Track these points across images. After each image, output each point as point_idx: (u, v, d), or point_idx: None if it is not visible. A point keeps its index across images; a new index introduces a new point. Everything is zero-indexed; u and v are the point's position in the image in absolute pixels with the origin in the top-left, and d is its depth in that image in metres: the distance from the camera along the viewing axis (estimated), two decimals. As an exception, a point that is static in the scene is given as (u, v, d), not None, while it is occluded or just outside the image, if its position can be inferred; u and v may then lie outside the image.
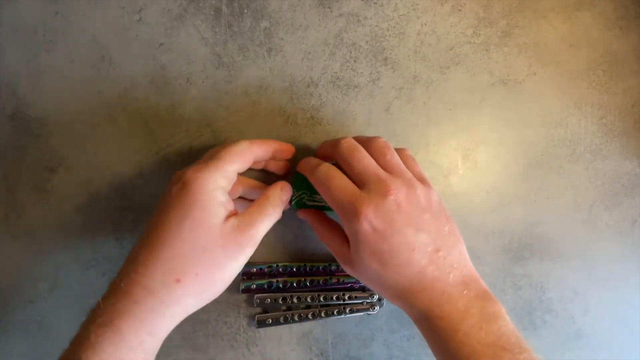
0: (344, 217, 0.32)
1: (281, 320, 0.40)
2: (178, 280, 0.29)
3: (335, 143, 0.35)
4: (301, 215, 0.38)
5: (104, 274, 0.41)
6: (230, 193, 0.33)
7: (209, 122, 0.41)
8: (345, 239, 0.34)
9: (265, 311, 0.41)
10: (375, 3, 0.41)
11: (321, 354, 0.41)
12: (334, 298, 0.40)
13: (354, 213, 0.30)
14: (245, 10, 0.41)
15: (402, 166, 0.33)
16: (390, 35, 0.41)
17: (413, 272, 0.30)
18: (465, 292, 0.31)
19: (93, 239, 0.40)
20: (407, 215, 0.31)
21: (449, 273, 0.31)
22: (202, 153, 0.41)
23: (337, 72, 0.41)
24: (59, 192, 0.40)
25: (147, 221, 0.32)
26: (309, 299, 0.40)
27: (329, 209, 0.37)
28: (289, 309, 0.40)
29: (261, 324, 0.40)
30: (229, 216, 0.31)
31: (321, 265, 0.40)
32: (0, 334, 0.40)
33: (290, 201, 0.36)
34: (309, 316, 0.40)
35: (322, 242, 0.37)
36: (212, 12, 0.41)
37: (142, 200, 0.41)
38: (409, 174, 0.33)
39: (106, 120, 0.40)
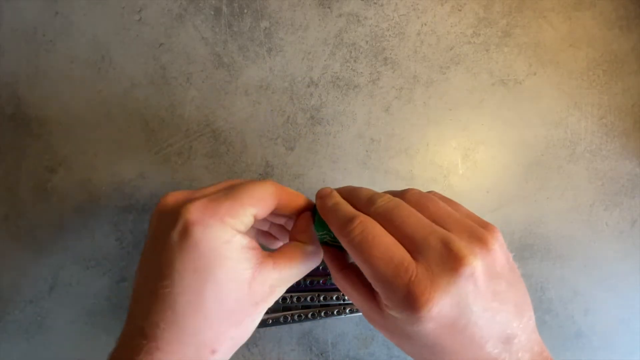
0: (390, 305, 0.22)
1: (281, 320, 0.40)
2: (214, 352, 0.24)
3: (369, 198, 0.26)
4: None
5: (104, 274, 0.41)
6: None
7: (209, 122, 0.41)
8: (373, 300, 0.25)
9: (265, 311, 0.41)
10: (375, 3, 0.41)
11: (321, 354, 0.41)
12: (334, 298, 0.40)
13: (410, 307, 0.21)
14: (245, 10, 0.41)
15: (457, 214, 0.24)
16: (390, 35, 0.41)
17: None
18: None
19: (93, 239, 0.40)
20: (485, 295, 0.21)
21: (520, 359, 0.23)
22: (202, 153, 0.41)
23: (337, 72, 0.41)
24: (59, 192, 0.40)
25: (138, 268, 0.26)
26: (309, 299, 0.40)
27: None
28: (289, 309, 0.40)
29: (261, 324, 0.40)
30: (255, 263, 0.25)
31: (321, 265, 0.40)
32: (0, 334, 0.40)
33: None
34: (309, 316, 0.40)
35: (346, 295, 0.29)
36: (212, 12, 0.41)
37: (142, 200, 0.41)
38: (471, 224, 0.23)
39: (106, 120, 0.40)
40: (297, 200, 0.28)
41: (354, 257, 0.24)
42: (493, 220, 0.41)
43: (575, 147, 0.42)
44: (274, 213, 0.28)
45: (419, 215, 0.24)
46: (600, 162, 0.42)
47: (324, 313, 0.40)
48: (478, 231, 0.23)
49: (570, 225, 0.42)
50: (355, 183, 0.40)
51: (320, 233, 0.28)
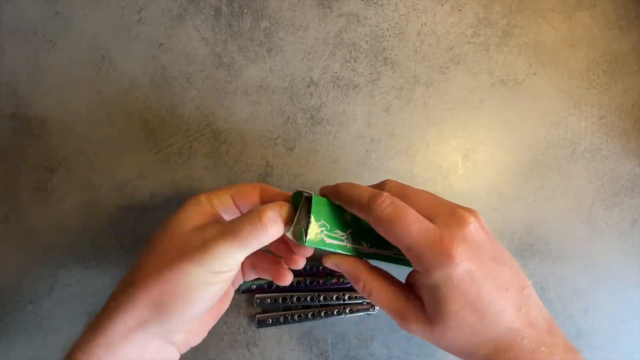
0: (425, 264, 0.25)
1: (281, 320, 0.40)
2: (132, 284, 0.26)
3: (378, 184, 0.30)
4: (330, 263, 0.30)
5: (104, 274, 0.41)
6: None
7: (209, 122, 0.41)
8: (408, 295, 0.28)
9: (265, 311, 0.41)
10: (375, 3, 0.41)
11: (321, 354, 0.41)
12: (334, 298, 0.40)
13: (444, 256, 0.24)
14: (245, 10, 0.41)
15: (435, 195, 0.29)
16: (390, 35, 0.41)
17: (512, 319, 0.25)
18: (552, 341, 0.25)
19: (93, 239, 0.40)
20: (490, 246, 0.26)
21: (537, 316, 0.26)
22: (202, 153, 0.41)
23: (337, 72, 0.41)
24: (59, 192, 0.40)
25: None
26: (309, 299, 0.40)
27: (354, 251, 0.29)
28: (289, 309, 0.40)
29: (261, 324, 0.40)
30: (210, 222, 0.28)
31: (321, 265, 0.40)
32: (0, 334, 0.40)
33: (302, 235, 0.28)
34: (309, 316, 0.40)
35: (375, 302, 0.29)
36: (212, 12, 0.41)
37: (142, 200, 0.41)
38: (448, 201, 0.29)
39: (106, 120, 0.40)
40: (279, 197, 0.31)
41: (384, 229, 0.26)
42: (493, 220, 0.41)
43: (575, 147, 0.42)
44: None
45: (425, 191, 0.29)
46: (600, 162, 0.42)
47: (324, 313, 0.40)
48: (459, 206, 0.28)
49: (570, 225, 0.42)
50: (355, 183, 0.41)
51: (317, 224, 0.28)
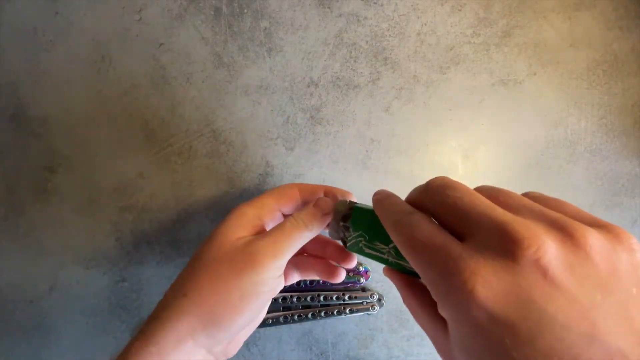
0: (436, 290, 0.19)
1: (281, 320, 0.40)
2: (184, 295, 0.27)
3: (425, 184, 0.23)
4: (387, 274, 0.27)
5: (104, 274, 0.41)
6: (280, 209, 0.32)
7: (209, 122, 0.41)
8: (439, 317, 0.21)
9: (265, 311, 0.41)
10: (375, 3, 0.41)
11: (321, 354, 0.41)
12: (334, 298, 0.40)
13: (450, 283, 0.17)
14: (245, 10, 0.41)
15: (538, 205, 0.19)
16: (390, 35, 0.41)
17: None
18: None
19: (93, 239, 0.40)
20: (568, 295, 0.16)
21: None
22: (202, 153, 0.41)
23: (337, 72, 0.41)
24: (59, 192, 0.40)
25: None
26: (309, 299, 0.40)
27: (398, 265, 0.26)
28: (289, 309, 0.40)
29: (261, 324, 0.40)
30: (255, 234, 0.29)
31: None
32: (0, 334, 0.40)
33: (344, 240, 0.29)
34: (309, 316, 0.40)
35: (413, 315, 0.26)
36: (212, 12, 0.41)
37: (142, 200, 0.41)
38: (555, 214, 0.18)
39: (106, 120, 0.40)
40: (317, 190, 0.32)
41: (398, 245, 0.21)
42: (493, 220, 0.41)
43: (575, 147, 0.42)
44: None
45: (477, 195, 0.20)
46: (600, 162, 0.42)
47: (324, 313, 0.40)
48: (567, 221, 0.17)
49: (570, 225, 0.42)
50: (355, 183, 0.41)
51: (356, 234, 0.27)
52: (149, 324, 0.27)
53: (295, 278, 0.35)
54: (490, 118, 0.42)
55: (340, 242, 0.30)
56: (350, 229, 0.28)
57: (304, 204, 0.32)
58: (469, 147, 0.42)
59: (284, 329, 0.41)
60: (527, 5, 0.42)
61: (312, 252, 0.35)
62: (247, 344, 0.41)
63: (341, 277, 0.34)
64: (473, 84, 0.41)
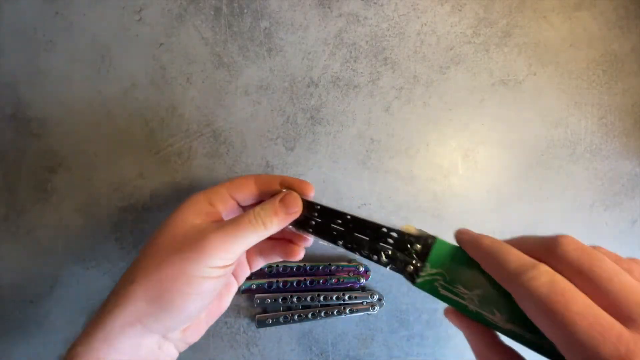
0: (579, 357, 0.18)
1: (281, 320, 0.40)
2: (132, 281, 0.27)
3: (549, 241, 0.21)
4: (451, 318, 0.25)
5: (104, 274, 0.41)
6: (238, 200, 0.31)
7: (209, 122, 0.41)
8: None
9: (265, 311, 0.41)
10: (375, 3, 0.41)
11: (321, 354, 0.41)
12: (334, 298, 0.40)
13: None
14: (245, 10, 0.41)
15: None
16: (390, 35, 0.41)
17: None
18: None
19: (93, 239, 0.40)
20: None
21: None
22: (202, 153, 0.41)
23: (337, 72, 0.41)
24: (59, 192, 0.40)
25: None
26: (309, 299, 0.40)
27: (477, 315, 0.24)
28: (289, 309, 0.40)
29: (261, 324, 0.40)
30: (207, 222, 0.29)
31: (321, 265, 0.40)
32: (0, 334, 0.40)
33: (413, 275, 0.26)
34: (309, 316, 0.40)
35: None
36: (212, 12, 0.41)
37: (142, 200, 0.41)
38: None
39: (106, 120, 0.40)
40: (273, 179, 0.32)
41: (534, 313, 0.20)
42: (493, 220, 0.41)
43: (575, 147, 0.42)
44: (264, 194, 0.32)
45: (625, 276, 0.20)
46: (600, 162, 0.42)
47: (324, 313, 0.40)
48: None
49: (570, 225, 0.42)
50: (355, 183, 0.41)
51: (434, 271, 0.25)
52: (99, 311, 0.27)
53: (260, 263, 0.35)
54: (490, 118, 0.42)
55: (391, 270, 0.27)
56: (427, 266, 0.25)
57: (261, 194, 0.32)
58: (469, 147, 0.42)
59: (284, 329, 0.41)
60: (527, 5, 0.42)
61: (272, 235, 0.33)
62: (247, 344, 0.41)
63: (301, 255, 0.34)
64: (473, 83, 0.41)
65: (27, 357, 0.41)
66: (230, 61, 0.41)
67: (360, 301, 0.40)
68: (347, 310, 0.40)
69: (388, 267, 0.28)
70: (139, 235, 0.41)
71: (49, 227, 0.40)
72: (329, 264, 0.40)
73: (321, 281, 0.40)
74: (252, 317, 0.41)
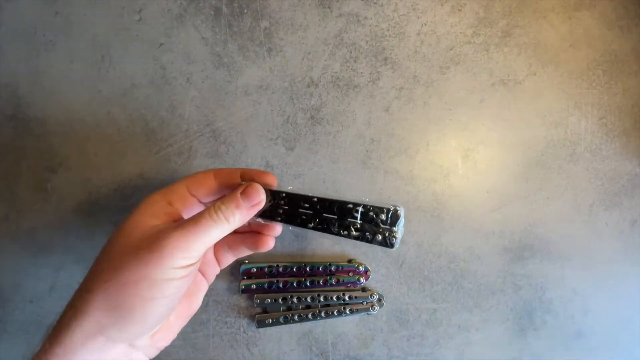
0: None
1: (281, 320, 0.40)
2: (88, 291, 0.26)
3: None
4: None
5: (104, 274, 0.41)
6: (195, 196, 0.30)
7: (209, 122, 0.41)
8: None
9: (265, 311, 0.41)
10: (375, 3, 0.41)
11: (321, 354, 0.41)
12: (334, 298, 0.40)
13: None
14: (245, 10, 0.41)
15: None
16: (390, 35, 0.41)
17: None
18: None
19: (93, 239, 0.40)
20: None
21: None
22: (202, 153, 0.41)
23: (337, 72, 0.41)
24: (59, 192, 0.40)
25: None
26: (309, 299, 0.40)
27: None
28: (289, 309, 0.40)
29: (261, 324, 0.40)
30: (166, 223, 0.28)
31: (321, 265, 0.40)
32: (0, 334, 0.40)
33: (386, 241, 0.29)
34: (309, 316, 0.40)
35: None
36: (212, 12, 0.41)
37: (142, 200, 0.41)
38: None
39: (106, 120, 0.40)
40: (233, 172, 0.31)
41: None
42: (493, 221, 0.41)
43: (575, 147, 0.42)
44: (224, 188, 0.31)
45: None
46: (600, 162, 0.42)
47: (324, 313, 0.40)
48: None
49: (570, 225, 0.42)
50: (355, 183, 0.41)
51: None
52: (56, 326, 0.25)
53: (229, 258, 0.34)
54: (490, 118, 0.42)
55: (362, 241, 0.29)
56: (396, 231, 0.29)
57: (222, 189, 0.31)
58: (469, 147, 0.42)
59: (284, 329, 0.41)
60: (527, 5, 0.42)
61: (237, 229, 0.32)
62: (247, 344, 0.41)
63: (271, 245, 0.33)
64: (473, 83, 0.41)
65: (27, 357, 0.41)
66: (230, 61, 0.41)
67: (360, 301, 0.40)
68: (347, 310, 0.40)
69: (359, 240, 0.29)
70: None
71: (49, 227, 0.40)
72: (329, 264, 0.40)
73: (321, 281, 0.40)
74: (252, 317, 0.41)
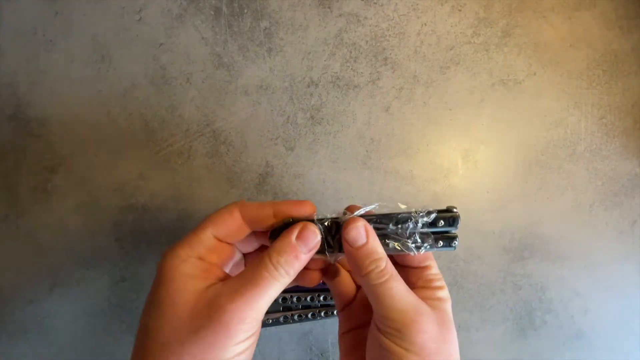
0: None
1: (281, 320, 0.40)
2: None
3: None
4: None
5: (104, 274, 0.41)
6: (224, 256, 0.27)
7: (209, 122, 0.41)
8: None
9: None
10: (375, 3, 0.41)
11: (321, 354, 0.41)
12: (334, 298, 0.40)
13: None
14: (245, 10, 0.41)
15: None
16: (390, 35, 0.41)
17: None
18: None
19: (93, 239, 0.40)
20: None
21: None
22: (202, 153, 0.41)
23: (337, 72, 0.41)
24: (59, 192, 0.40)
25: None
26: (309, 299, 0.40)
27: None
28: (289, 309, 0.40)
29: (261, 324, 0.40)
30: (211, 286, 0.24)
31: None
32: (0, 334, 0.40)
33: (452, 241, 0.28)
34: (309, 316, 0.40)
35: None
36: (212, 12, 0.41)
37: (142, 200, 0.41)
38: None
39: (106, 120, 0.40)
40: (264, 210, 0.26)
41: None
42: (493, 220, 0.41)
43: (575, 147, 0.42)
44: (257, 232, 0.27)
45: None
46: (600, 162, 0.42)
47: (324, 313, 0.40)
48: None
49: (570, 225, 0.42)
50: (355, 183, 0.41)
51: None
52: None
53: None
54: (490, 118, 0.42)
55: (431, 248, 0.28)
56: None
57: (252, 226, 0.27)
58: (469, 147, 0.42)
59: (284, 329, 0.41)
60: (527, 5, 0.42)
61: None
62: (247, 344, 0.41)
63: (318, 280, 0.30)
64: (473, 83, 0.41)
65: (27, 357, 0.41)
66: (230, 61, 0.41)
67: (360, 301, 0.40)
68: (347, 310, 0.40)
69: (425, 249, 0.27)
70: (139, 235, 0.41)
71: (49, 227, 0.40)
72: (329, 264, 0.40)
73: (321, 281, 0.40)
74: (252, 317, 0.41)
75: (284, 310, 0.40)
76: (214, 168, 0.41)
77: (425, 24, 0.41)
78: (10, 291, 0.40)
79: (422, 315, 0.24)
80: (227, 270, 0.27)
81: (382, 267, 0.25)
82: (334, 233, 0.27)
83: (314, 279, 0.29)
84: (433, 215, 0.27)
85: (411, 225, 0.27)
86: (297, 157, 0.41)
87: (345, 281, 0.31)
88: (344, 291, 0.31)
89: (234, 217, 0.26)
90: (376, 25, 0.41)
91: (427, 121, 0.41)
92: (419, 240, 0.27)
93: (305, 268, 0.28)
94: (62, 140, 0.40)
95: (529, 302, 0.42)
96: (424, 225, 0.27)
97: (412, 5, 0.41)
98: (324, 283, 0.40)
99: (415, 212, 0.27)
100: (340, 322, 0.31)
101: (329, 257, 0.27)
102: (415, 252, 0.27)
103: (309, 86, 0.41)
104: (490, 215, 0.42)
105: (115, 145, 0.40)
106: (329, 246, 0.27)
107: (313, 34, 0.41)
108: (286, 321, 0.40)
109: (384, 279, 0.25)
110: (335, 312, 0.40)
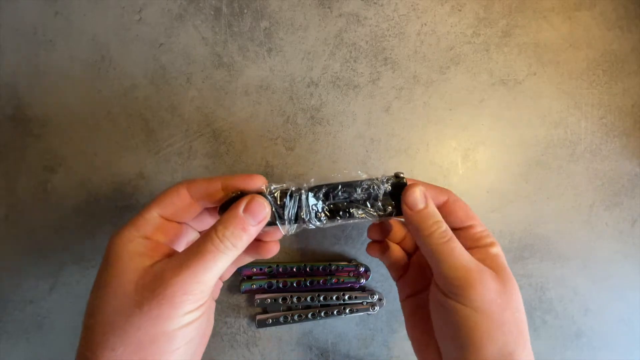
0: None
1: (281, 320, 0.40)
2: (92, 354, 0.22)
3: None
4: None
5: (104, 274, 0.41)
6: (171, 233, 0.26)
7: (209, 122, 0.41)
8: None
9: (265, 311, 0.41)
10: (375, 3, 0.41)
11: (321, 354, 0.41)
12: (334, 298, 0.40)
13: None
14: (245, 10, 0.41)
15: None
16: (390, 35, 0.41)
17: None
18: None
19: (93, 239, 0.40)
20: None
21: None
22: (202, 153, 0.41)
23: (337, 72, 0.41)
24: (59, 192, 0.40)
25: None
26: (309, 299, 0.40)
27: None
28: (289, 309, 0.40)
29: (261, 324, 0.40)
30: (157, 263, 0.24)
31: (321, 265, 0.40)
32: (0, 334, 0.40)
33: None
34: (309, 316, 0.40)
35: None
36: (212, 12, 0.41)
37: (142, 200, 0.41)
38: None
39: (106, 120, 0.40)
40: (212, 185, 0.27)
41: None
42: (493, 220, 0.41)
43: (575, 147, 0.42)
44: (208, 204, 0.27)
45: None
46: (600, 162, 0.42)
47: (324, 313, 0.40)
48: None
49: (570, 225, 0.42)
50: (355, 183, 0.40)
51: None
52: None
53: (231, 270, 0.32)
54: (490, 118, 0.42)
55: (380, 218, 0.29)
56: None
57: (201, 204, 0.27)
58: (469, 147, 0.42)
59: (284, 329, 0.41)
60: (527, 5, 0.42)
61: None
62: (247, 344, 0.41)
63: (275, 250, 0.30)
64: (473, 83, 0.41)
65: (27, 357, 0.41)
66: (230, 61, 0.41)
67: (360, 301, 0.40)
68: (347, 311, 0.40)
69: (375, 217, 0.29)
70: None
71: (49, 227, 0.40)
72: (329, 264, 0.40)
73: (321, 281, 0.40)
74: (252, 317, 0.41)
75: (284, 310, 0.40)
76: (214, 168, 0.41)
77: (425, 24, 0.41)
78: (10, 291, 0.40)
79: (484, 273, 0.25)
80: (180, 250, 0.26)
81: (444, 228, 0.26)
82: (295, 204, 0.28)
83: (271, 250, 0.30)
84: (391, 182, 0.29)
85: (373, 193, 0.28)
86: (297, 157, 0.41)
87: (396, 253, 0.34)
88: (396, 262, 0.34)
89: (180, 196, 0.26)
90: (376, 26, 0.41)
91: (427, 121, 0.41)
92: (381, 206, 0.29)
93: (259, 240, 0.29)
94: (62, 140, 0.40)
95: (529, 302, 0.42)
96: (385, 192, 0.29)
97: (412, 6, 0.41)
98: (325, 282, 0.40)
99: (377, 179, 0.29)
100: (399, 290, 0.34)
101: (282, 229, 0.28)
102: (378, 219, 0.29)
103: (309, 86, 0.41)
104: (490, 215, 0.42)
105: (115, 145, 0.40)
106: (280, 217, 0.27)
107: (313, 34, 0.41)
108: (286, 321, 0.40)
109: (446, 238, 0.26)
110: (335, 312, 0.40)
